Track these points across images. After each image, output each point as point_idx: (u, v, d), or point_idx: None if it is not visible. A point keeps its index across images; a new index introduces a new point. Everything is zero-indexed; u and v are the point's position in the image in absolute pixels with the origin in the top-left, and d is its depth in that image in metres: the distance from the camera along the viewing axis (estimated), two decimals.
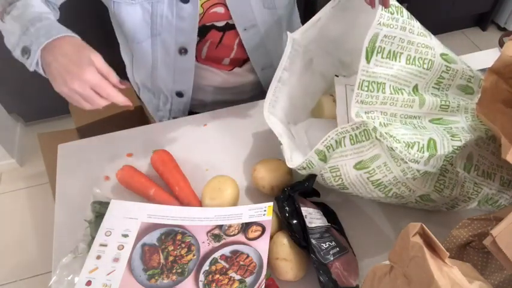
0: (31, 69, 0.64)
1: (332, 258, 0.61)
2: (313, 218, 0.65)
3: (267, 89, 0.74)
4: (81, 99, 0.63)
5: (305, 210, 0.64)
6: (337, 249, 0.63)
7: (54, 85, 0.63)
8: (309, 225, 0.62)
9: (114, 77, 0.65)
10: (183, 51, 0.84)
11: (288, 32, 0.74)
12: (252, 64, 0.94)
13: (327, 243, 0.62)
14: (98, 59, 0.62)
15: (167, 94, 0.96)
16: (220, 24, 0.84)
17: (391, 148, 0.56)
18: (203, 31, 0.84)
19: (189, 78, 0.91)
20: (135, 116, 1.57)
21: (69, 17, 0.86)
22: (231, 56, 0.92)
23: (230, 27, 0.85)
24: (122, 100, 0.64)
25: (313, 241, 0.61)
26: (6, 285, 1.55)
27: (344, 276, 0.60)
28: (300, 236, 0.62)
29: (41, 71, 0.65)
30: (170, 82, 0.92)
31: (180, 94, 0.95)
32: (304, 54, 0.77)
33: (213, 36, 0.86)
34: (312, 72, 0.81)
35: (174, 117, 1.02)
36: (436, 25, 2.39)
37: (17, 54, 0.66)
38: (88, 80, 0.61)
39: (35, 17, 0.65)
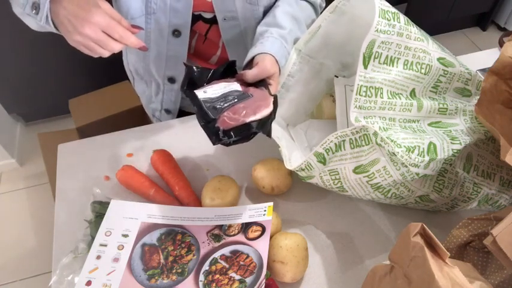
0: (41, 23, 0.64)
1: (223, 110, 0.61)
2: (215, 89, 0.66)
3: None
4: (96, 46, 0.62)
5: (207, 88, 0.66)
6: (235, 100, 0.64)
7: (67, 36, 0.63)
8: (203, 97, 0.63)
9: (124, 21, 0.64)
10: (176, 33, 0.84)
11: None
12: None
13: (223, 103, 0.63)
14: (105, 4, 0.62)
15: (159, 80, 0.95)
16: (208, 16, 0.84)
17: (393, 153, 0.56)
18: (192, 20, 0.84)
19: (181, 63, 0.90)
20: (135, 116, 1.57)
21: None
22: (217, 53, 0.92)
23: (216, 21, 0.85)
24: (134, 41, 0.64)
25: (204, 107, 0.61)
26: (6, 285, 1.55)
27: (232, 118, 0.61)
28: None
29: (51, 26, 0.65)
30: (162, 67, 0.91)
31: (172, 80, 0.95)
32: (314, 62, 0.78)
33: (200, 28, 0.86)
34: (320, 79, 0.82)
35: (165, 110, 1.02)
36: (436, 25, 2.39)
37: (27, 11, 0.66)
38: (98, 22, 0.60)
39: None
